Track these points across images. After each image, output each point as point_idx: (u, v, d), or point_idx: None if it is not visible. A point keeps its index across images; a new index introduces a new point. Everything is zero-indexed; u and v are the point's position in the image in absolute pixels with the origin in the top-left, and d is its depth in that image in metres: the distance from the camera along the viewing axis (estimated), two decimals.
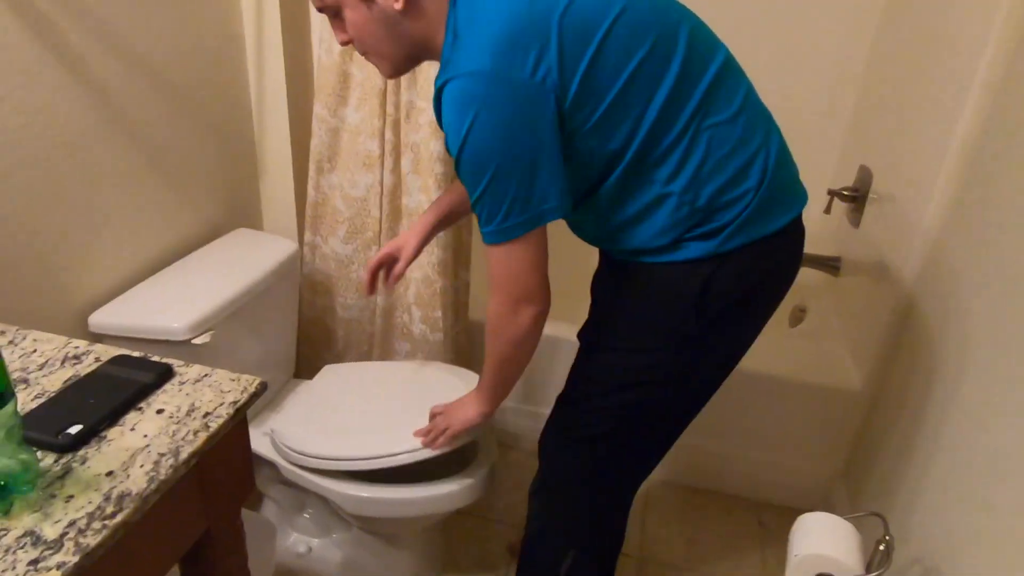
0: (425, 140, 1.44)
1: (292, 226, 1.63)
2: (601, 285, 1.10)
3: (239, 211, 1.55)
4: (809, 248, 1.93)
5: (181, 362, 0.83)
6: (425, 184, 1.48)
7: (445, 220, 1.24)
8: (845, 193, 1.80)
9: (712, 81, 0.89)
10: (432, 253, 1.53)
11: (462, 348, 1.72)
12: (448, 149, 0.87)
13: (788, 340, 1.76)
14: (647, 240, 0.95)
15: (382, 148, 1.47)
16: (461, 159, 0.85)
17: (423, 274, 1.56)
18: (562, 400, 1.13)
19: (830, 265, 1.88)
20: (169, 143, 1.31)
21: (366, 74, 1.43)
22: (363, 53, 0.95)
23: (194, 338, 1.17)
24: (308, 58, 1.51)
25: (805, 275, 1.94)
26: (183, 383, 0.80)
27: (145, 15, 1.19)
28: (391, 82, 1.41)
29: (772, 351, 1.69)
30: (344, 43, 0.94)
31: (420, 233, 1.23)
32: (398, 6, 0.86)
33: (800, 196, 1.01)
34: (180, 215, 1.37)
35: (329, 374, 1.47)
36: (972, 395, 1.08)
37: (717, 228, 0.92)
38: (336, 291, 1.67)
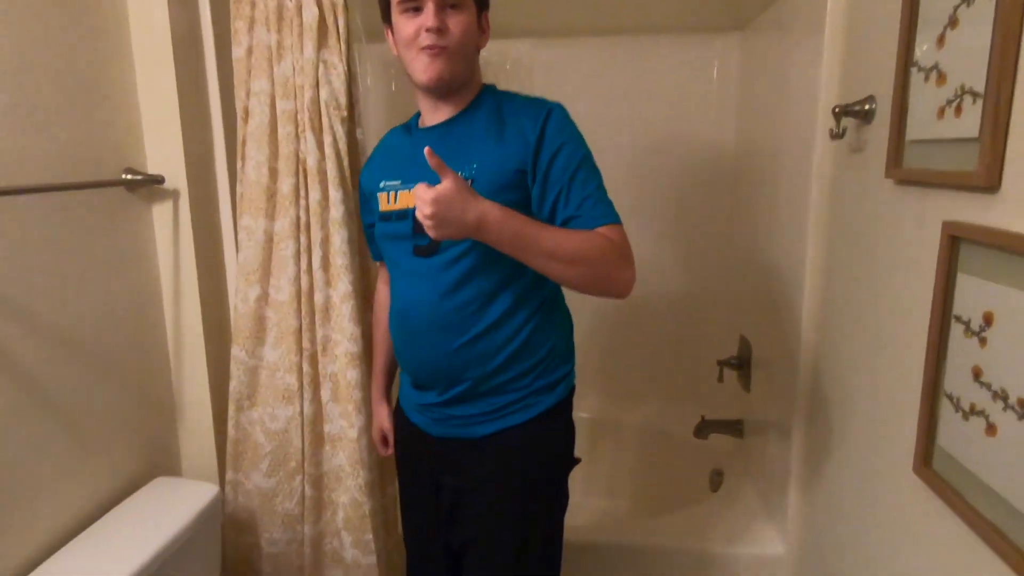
0: (343, 369, 1.52)
1: (212, 467, 1.62)
2: (485, 480, 1.21)
3: (157, 460, 1.55)
4: (713, 414, 2.09)
5: None
6: (345, 410, 1.54)
7: (391, 371, 1.49)
8: (732, 362, 1.99)
9: None
10: (359, 475, 1.55)
11: (395, 565, 1.69)
12: (561, 143, 1.11)
13: (711, 508, 1.83)
14: (561, 353, 1.24)
15: (300, 381, 1.54)
16: (585, 153, 1.13)
17: (350, 498, 1.57)
18: None
19: (735, 428, 2.02)
20: (84, 406, 1.33)
21: (281, 315, 1.53)
22: (441, 46, 1.09)
23: None
24: (224, 307, 1.62)
25: (715, 440, 2.09)
26: None
27: (63, 293, 1.28)
28: (305, 320, 1.52)
29: (699, 521, 1.76)
30: (436, 28, 1.07)
31: (385, 404, 1.47)
32: (482, 42, 1.18)
33: None
34: (96, 476, 1.36)
35: None
36: (878, 553, 1.18)
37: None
38: (261, 527, 1.64)
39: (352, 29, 1.48)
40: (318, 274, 1.51)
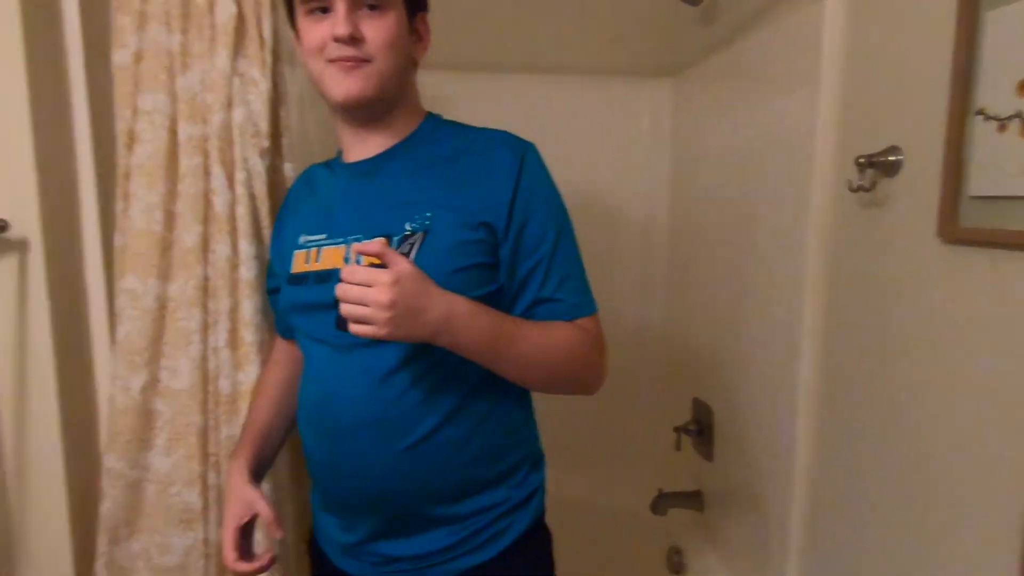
0: None
1: None
2: None
3: None
4: (669, 486, 1.93)
5: None
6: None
7: (264, 454, 1.03)
8: (691, 429, 1.85)
9: None
10: None
11: None
12: (542, 200, 0.93)
13: None
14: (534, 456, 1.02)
15: (205, 498, 1.15)
16: (566, 216, 0.96)
17: None
18: None
19: (695, 501, 1.86)
20: None
21: (178, 408, 1.15)
22: (363, 58, 0.86)
23: None
24: (93, 403, 1.19)
25: (671, 515, 1.91)
26: None
27: None
28: (211, 417, 1.14)
29: None
30: (347, 36, 0.83)
31: (250, 482, 0.96)
32: (418, 52, 0.95)
33: None
34: None
35: None
36: None
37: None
38: None
39: (280, 36, 1.17)
40: (224, 354, 1.15)
